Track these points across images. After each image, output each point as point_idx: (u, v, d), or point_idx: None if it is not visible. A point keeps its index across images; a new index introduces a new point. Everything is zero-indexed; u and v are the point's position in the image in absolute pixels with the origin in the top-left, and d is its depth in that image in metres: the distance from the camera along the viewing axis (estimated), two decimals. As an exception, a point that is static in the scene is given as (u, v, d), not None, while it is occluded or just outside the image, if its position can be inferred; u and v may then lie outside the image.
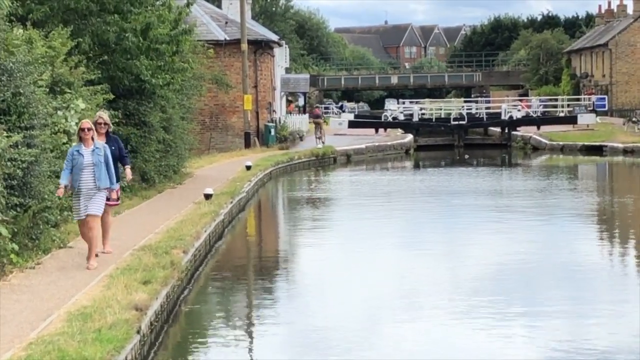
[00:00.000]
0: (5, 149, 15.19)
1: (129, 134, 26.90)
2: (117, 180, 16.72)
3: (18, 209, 15.89)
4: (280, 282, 18.50)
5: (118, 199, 17.64)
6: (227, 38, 50.70)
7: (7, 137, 15.47)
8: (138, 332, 11.52)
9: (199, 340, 13.86)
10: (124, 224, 21.02)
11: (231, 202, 26.52)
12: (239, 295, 17.52)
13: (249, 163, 37.27)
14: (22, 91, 17.06)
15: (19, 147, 16.12)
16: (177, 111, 32.71)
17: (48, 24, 24.07)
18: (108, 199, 16.29)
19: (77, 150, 15.71)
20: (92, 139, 15.76)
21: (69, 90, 21.36)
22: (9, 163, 15.44)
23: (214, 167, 39.05)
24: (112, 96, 24.65)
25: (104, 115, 17.60)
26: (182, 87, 32.70)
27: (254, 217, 30.48)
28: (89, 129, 15.69)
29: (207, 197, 25.41)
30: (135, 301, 12.42)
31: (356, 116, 78.54)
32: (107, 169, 15.79)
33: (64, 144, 19.32)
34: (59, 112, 20.18)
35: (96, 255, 15.95)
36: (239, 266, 20.88)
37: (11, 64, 17.10)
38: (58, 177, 18.89)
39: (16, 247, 14.97)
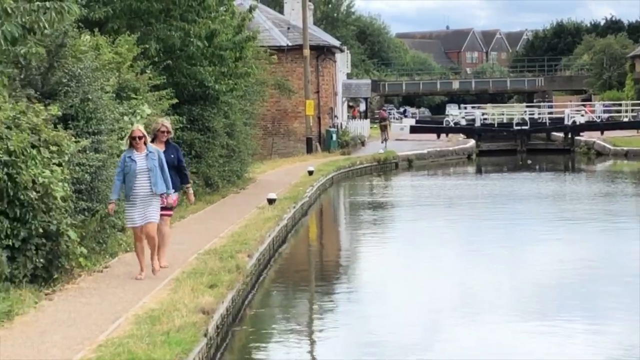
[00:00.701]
0: (73, 153, 15.43)
1: (193, 139, 27.19)
2: (176, 190, 15.98)
3: (86, 213, 16.11)
4: (342, 286, 18.53)
5: (172, 208, 16.29)
6: (289, 44, 50.89)
7: (76, 142, 15.69)
8: (205, 335, 11.63)
9: (264, 343, 13.94)
10: (189, 228, 21.24)
11: (294, 207, 26.63)
12: (302, 299, 17.59)
13: (311, 168, 37.38)
14: (90, 97, 17.31)
15: (87, 152, 16.38)
16: (240, 117, 32.94)
17: (113, 27, 24.34)
18: (165, 207, 15.37)
19: (129, 157, 14.81)
20: (145, 144, 14.92)
21: (134, 96, 21.57)
22: (77, 168, 15.69)
23: (276, 172, 39.22)
24: (176, 101, 24.88)
25: (167, 122, 16.70)
26: (245, 92, 32.92)
27: (317, 222, 30.57)
28: (140, 137, 14.82)
29: (271, 201, 25.56)
30: (202, 304, 12.53)
31: (417, 121, 78.42)
32: (162, 174, 14.94)
33: (129, 149, 19.49)
34: (125, 118, 20.35)
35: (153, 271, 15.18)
36: (302, 270, 21.00)
37: (79, 70, 17.37)
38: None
39: (85, 250, 15.16)
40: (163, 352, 10.08)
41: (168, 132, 16.30)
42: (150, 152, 14.88)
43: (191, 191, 17.12)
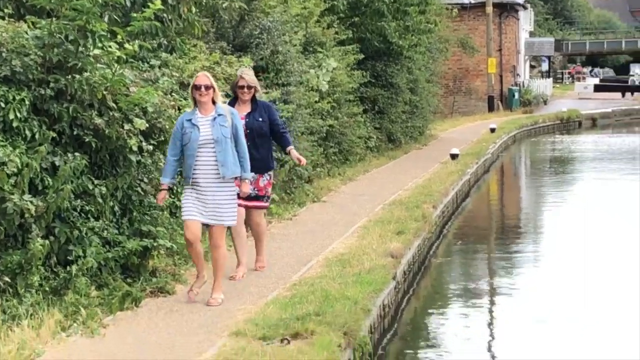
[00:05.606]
0: (264, 104, 15.81)
1: (377, 95, 27.48)
2: (270, 168, 11.64)
3: (275, 163, 16.49)
4: (522, 244, 17.87)
5: (267, 197, 11.76)
6: (472, 1, 50.60)
7: (266, 93, 16.10)
8: (394, 278, 11.86)
9: (447, 293, 13.98)
10: (373, 182, 21.57)
11: (477, 163, 26.63)
12: (482, 254, 17.35)
13: (493, 126, 37.23)
14: (279, 49, 17.74)
15: (277, 103, 16.76)
16: (423, 73, 33.03)
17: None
18: (255, 197, 11.42)
19: (189, 120, 9.95)
20: (213, 102, 10.02)
21: (320, 50, 21.91)
22: (268, 118, 16.06)
23: (458, 130, 39.23)
24: (362, 57, 25.11)
25: (249, 73, 11.59)
26: (428, 49, 32.95)
27: (498, 179, 30.41)
28: (207, 87, 9.91)
29: (453, 157, 25.63)
30: (391, 249, 12.76)
31: (602, 80, 76.86)
32: (237, 148, 10.11)
33: (315, 102, 19.87)
34: (312, 71, 20.72)
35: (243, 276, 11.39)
36: (483, 226, 20.91)
37: (269, 23, 17.80)
38: (312, 133, 19.57)
39: (276, 197, 15.62)
40: (355, 290, 10.33)
41: (250, 87, 11.39)
42: (219, 114, 10.02)
43: (296, 153, 11.87)
